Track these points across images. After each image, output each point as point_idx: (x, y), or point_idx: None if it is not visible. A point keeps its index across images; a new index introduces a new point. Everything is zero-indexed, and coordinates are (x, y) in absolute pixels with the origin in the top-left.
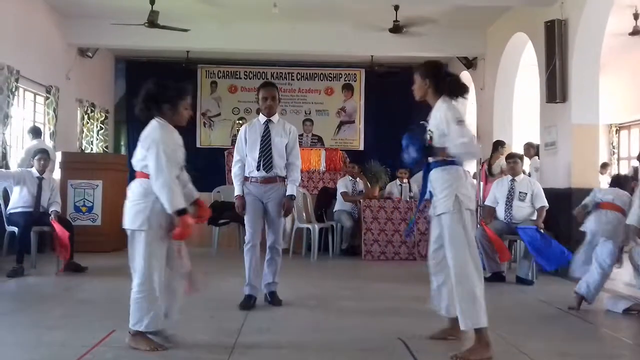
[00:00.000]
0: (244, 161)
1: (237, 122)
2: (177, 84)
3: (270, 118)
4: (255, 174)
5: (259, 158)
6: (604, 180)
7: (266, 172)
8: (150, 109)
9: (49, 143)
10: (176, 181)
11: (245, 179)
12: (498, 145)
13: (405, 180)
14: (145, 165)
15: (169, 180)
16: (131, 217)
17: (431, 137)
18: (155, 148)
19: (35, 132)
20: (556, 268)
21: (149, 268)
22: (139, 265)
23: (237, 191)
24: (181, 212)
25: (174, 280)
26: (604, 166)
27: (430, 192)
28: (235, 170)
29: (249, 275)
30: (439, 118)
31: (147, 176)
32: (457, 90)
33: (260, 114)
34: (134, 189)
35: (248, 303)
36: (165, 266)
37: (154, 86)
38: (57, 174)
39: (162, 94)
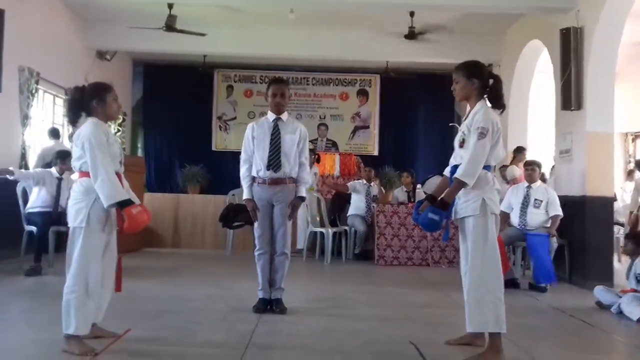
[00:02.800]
0: (251, 161)
1: None
2: (99, 82)
3: (280, 116)
4: (264, 174)
5: (268, 158)
6: (628, 187)
7: (275, 172)
8: (79, 113)
9: (67, 144)
10: (114, 174)
11: (253, 179)
12: (517, 151)
13: (411, 187)
14: (83, 163)
15: (107, 175)
16: (72, 215)
17: (464, 140)
18: (89, 144)
19: (54, 134)
20: (543, 283)
21: (85, 266)
22: (75, 263)
23: (246, 194)
24: (124, 204)
25: (103, 280)
26: (630, 173)
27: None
28: (243, 171)
29: (262, 281)
30: (469, 122)
31: (87, 174)
32: (498, 99)
33: (269, 112)
34: (75, 188)
35: (262, 306)
36: (100, 262)
37: (74, 92)
38: (76, 175)
39: (87, 93)
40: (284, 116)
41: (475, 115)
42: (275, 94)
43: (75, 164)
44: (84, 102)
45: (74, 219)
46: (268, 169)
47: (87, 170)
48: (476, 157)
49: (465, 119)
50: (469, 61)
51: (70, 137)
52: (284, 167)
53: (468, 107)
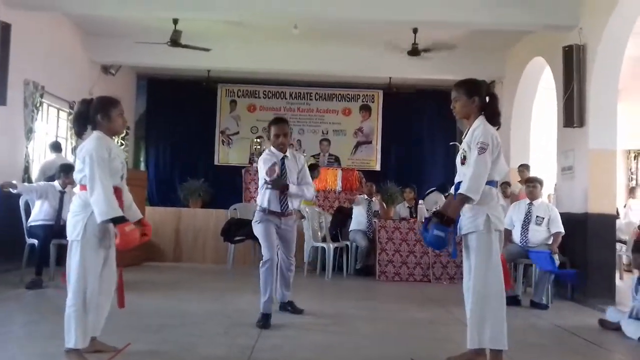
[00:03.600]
0: None
1: (256, 140)
2: (106, 96)
3: (285, 154)
4: (273, 208)
5: (279, 198)
6: (634, 205)
7: (282, 209)
8: (84, 126)
9: (70, 158)
10: (111, 191)
11: (263, 210)
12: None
13: (413, 202)
14: (83, 176)
15: (103, 191)
16: (70, 228)
17: (465, 157)
18: (89, 159)
19: (55, 147)
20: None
21: (82, 280)
22: (73, 277)
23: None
24: (118, 221)
25: (101, 294)
26: (632, 190)
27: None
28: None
29: (268, 293)
30: (470, 140)
31: (86, 188)
32: (496, 116)
33: (274, 148)
34: (74, 201)
35: (267, 322)
36: (98, 276)
37: (80, 104)
38: (77, 188)
39: (93, 107)
40: (289, 153)
41: (475, 131)
42: (277, 134)
43: (76, 176)
44: (90, 115)
45: (71, 232)
46: (278, 207)
47: (86, 184)
48: (478, 173)
49: (465, 136)
50: (468, 79)
51: (74, 150)
52: (291, 204)
53: (468, 125)
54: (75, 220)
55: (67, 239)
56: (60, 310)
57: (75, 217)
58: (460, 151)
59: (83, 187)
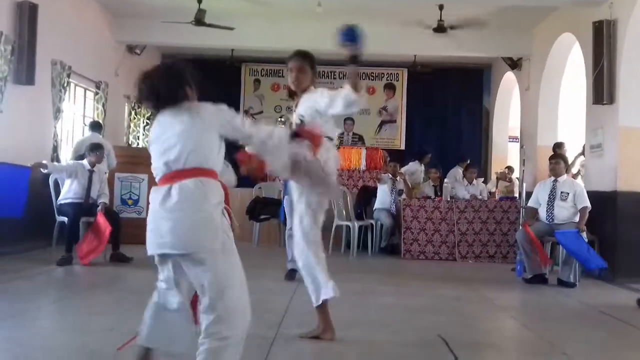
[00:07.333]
0: None
1: (279, 120)
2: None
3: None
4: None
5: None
6: None
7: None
8: (179, 92)
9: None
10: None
11: None
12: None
13: (438, 181)
14: (217, 161)
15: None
16: (210, 234)
17: (302, 121)
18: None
19: (95, 126)
20: (594, 268)
21: (244, 301)
22: (231, 299)
23: None
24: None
25: None
26: None
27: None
28: None
29: (290, 255)
30: (312, 99)
31: (209, 174)
32: None
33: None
34: (201, 195)
35: (288, 275)
36: None
37: (177, 63)
38: (103, 165)
39: (189, 73)
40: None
41: (313, 95)
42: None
43: (208, 159)
44: (182, 82)
45: (213, 239)
46: None
47: (213, 169)
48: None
49: (299, 105)
50: (307, 51)
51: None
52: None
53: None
54: (214, 224)
55: (199, 247)
56: (90, 286)
57: (212, 222)
58: (295, 117)
59: (200, 172)
